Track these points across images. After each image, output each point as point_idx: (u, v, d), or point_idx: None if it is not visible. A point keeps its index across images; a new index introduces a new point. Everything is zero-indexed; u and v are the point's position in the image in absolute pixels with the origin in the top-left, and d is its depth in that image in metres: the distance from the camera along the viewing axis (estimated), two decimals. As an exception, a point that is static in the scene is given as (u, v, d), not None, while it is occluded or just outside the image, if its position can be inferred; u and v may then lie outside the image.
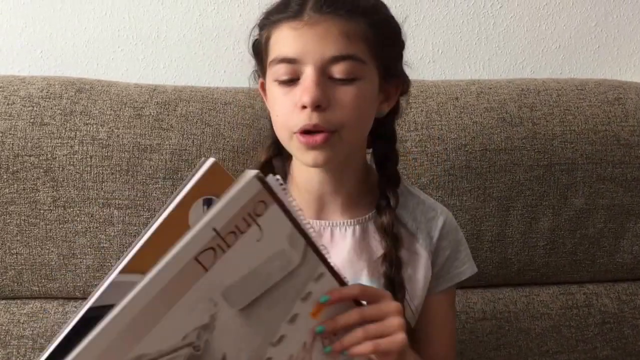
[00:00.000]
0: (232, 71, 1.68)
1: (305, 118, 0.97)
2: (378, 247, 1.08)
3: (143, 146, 1.37)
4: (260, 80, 1.11)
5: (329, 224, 1.08)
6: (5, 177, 1.35)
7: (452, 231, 1.14)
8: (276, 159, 1.11)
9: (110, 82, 1.48)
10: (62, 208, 1.36)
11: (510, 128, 1.48)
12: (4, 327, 1.37)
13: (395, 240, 1.07)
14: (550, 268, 1.53)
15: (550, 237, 1.51)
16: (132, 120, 1.39)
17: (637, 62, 1.82)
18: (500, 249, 1.49)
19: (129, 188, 1.37)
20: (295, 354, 0.83)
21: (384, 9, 1.05)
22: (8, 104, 1.38)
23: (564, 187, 1.49)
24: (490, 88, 1.55)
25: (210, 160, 0.80)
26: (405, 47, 1.10)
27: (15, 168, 1.35)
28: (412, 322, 1.11)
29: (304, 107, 0.97)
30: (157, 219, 0.78)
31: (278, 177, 0.78)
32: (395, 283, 1.05)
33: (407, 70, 1.11)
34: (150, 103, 1.42)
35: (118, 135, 1.37)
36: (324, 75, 0.97)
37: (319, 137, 0.97)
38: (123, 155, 1.36)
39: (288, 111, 0.99)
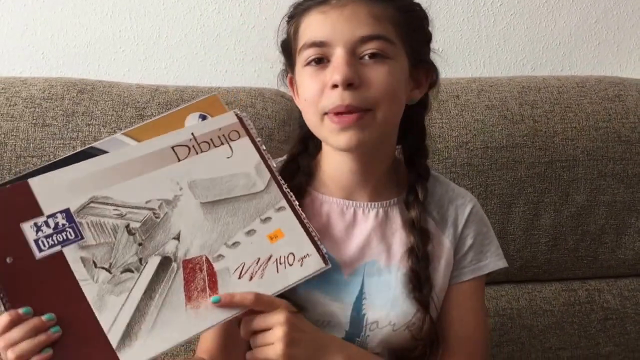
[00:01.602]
0: (234, 71, 1.68)
1: (336, 98, 0.97)
2: (400, 234, 1.08)
3: (145, 146, 1.38)
4: (289, 76, 1.11)
5: (352, 204, 1.08)
6: (7, 178, 1.34)
7: (478, 221, 1.12)
8: (302, 156, 1.11)
9: (112, 82, 1.48)
10: (65, 209, 1.36)
11: (511, 125, 1.49)
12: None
13: (423, 235, 1.06)
14: (552, 265, 1.54)
15: (552, 234, 1.51)
16: (134, 121, 1.39)
17: (637, 58, 1.82)
18: (502, 246, 1.44)
19: (131, 188, 1.37)
20: (248, 263, 0.95)
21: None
22: (10, 105, 1.38)
23: (566, 184, 1.50)
24: (491, 86, 1.55)
25: (213, 94, 1.03)
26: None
27: (17, 169, 1.35)
28: (436, 309, 1.09)
29: (335, 86, 0.97)
30: (161, 115, 1.01)
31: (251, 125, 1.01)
32: (421, 278, 1.05)
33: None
34: (152, 103, 1.42)
35: (120, 136, 1.38)
36: (354, 55, 0.97)
37: (352, 117, 0.97)
38: (125, 155, 1.37)
39: (317, 92, 0.99)
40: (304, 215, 1.00)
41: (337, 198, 1.08)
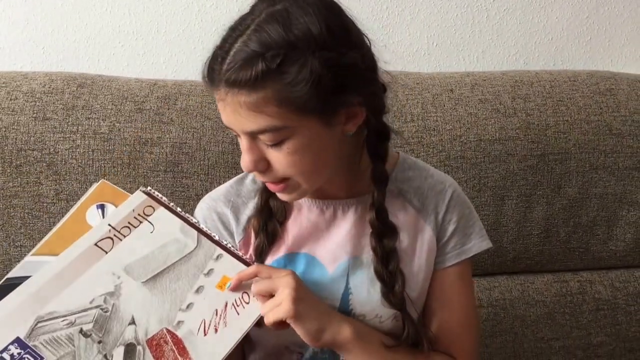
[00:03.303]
0: (231, 65, 1.69)
1: (256, 173, 0.99)
2: None
3: (144, 140, 1.39)
4: None
5: (331, 203, 1.08)
6: (8, 171, 1.37)
7: (459, 205, 1.11)
8: None
9: (112, 77, 1.50)
10: (65, 201, 1.38)
11: (504, 119, 1.50)
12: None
13: (384, 236, 1.05)
14: (544, 256, 1.55)
15: (544, 226, 1.53)
16: (133, 115, 1.41)
17: (628, 53, 1.83)
18: (495, 237, 1.50)
19: (130, 181, 1.39)
20: (208, 318, 0.97)
21: (308, 48, 0.89)
22: (11, 99, 1.40)
23: (558, 177, 1.51)
24: (485, 80, 1.57)
25: (100, 181, 1.04)
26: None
27: (18, 162, 1.37)
28: (413, 307, 1.07)
29: None
30: (60, 223, 1.00)
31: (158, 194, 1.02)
32: (386, 281, 1.04)
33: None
34: (150, 97, 1.44)
35: (119, 129, 1.39)
36: (255, 140, 0.94)
37: (276, 187, 0.99)
38: (124, 149, 1.39)
39: None
40: (241, 253, 1.03)
41: (315, 199, 1.08)
